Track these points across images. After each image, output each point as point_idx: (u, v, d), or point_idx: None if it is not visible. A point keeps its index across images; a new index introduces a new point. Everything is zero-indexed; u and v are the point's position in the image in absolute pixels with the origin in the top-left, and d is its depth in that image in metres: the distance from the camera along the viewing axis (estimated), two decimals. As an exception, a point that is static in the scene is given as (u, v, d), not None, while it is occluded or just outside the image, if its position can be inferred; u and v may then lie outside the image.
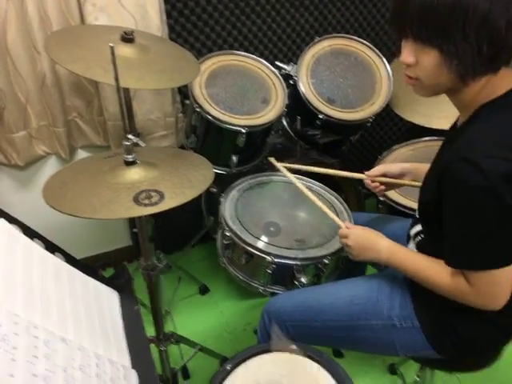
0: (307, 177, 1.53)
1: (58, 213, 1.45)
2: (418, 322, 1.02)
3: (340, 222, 1.19)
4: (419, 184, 1.05)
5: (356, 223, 1.20)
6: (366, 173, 1.30)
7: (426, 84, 0.88)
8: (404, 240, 1.15)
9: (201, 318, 1.84)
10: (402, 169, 1.26)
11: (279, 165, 1.40)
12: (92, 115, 1.67)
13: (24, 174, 1.69)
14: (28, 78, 1.50)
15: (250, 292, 1.93)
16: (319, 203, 1.26)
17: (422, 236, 1.06)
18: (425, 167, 1.05)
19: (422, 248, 1.06)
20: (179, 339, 1.39)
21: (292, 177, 1.37)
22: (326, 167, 1.75)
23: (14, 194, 1.70)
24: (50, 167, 1.72)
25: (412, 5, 0.79)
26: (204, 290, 1.96)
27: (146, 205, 0.89)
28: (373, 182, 1.28)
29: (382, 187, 1.28)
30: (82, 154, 1.76)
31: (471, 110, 0.88)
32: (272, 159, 1.43)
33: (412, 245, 1.10)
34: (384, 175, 1.27)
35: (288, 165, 1.42)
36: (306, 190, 1.30)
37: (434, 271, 0.94)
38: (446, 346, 1.01)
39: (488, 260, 0.84)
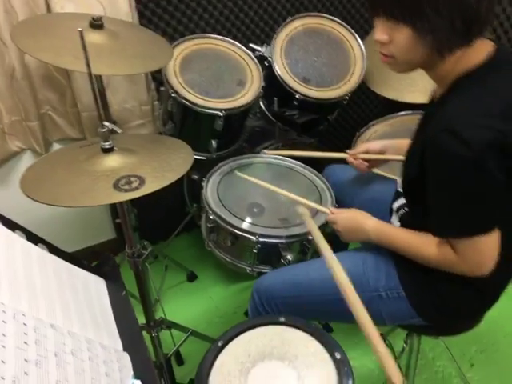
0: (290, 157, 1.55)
1: (38, 209, 1.44)
2: (404, 291, 1.05)
3: (325, 209, 1.21)
4: (402, 158, 1.07)
5: (342, 178, 1.24)
6: (348, 151, 1.32)
7: (401, 61, 0.89)
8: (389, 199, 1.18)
9: (191, 305, 1.85)
10: (383, 145, 1.29)
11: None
12: (65, 107, 1.64)
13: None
14: (-4, 73, 1.46)
15: (237, 276, 1.95)
16: (303, 200, 1.26)
17: (406, 209, 1.08)
18: (405, 142, 1.06)
19: (405, 221, 1.09)
20: (170, 325, 1.39)
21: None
22: (305, 147, 1.78)
23: (-11, 191, 1.67)
24: (26, 162, 1.69)
25: None
26: (192, 277, 1.96)
27: (126, 190, 0.88)
28: (355, 159, 1.30)
29: (366, 164, 1.31)
30: (57, 148, 1.72)
31: (449, 81, 0.89)
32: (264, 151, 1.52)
33: (395, 218, 1.13)
34: (366, 152, 1.30)
35: (277, 152, 1.49)
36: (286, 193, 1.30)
37: (422, 244, 0.97)
38: (432, 314, 1.05)
39: (472, 227, 0.86)
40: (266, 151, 1.57)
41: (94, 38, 1.16)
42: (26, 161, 1.68)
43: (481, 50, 0.86)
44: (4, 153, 1.60)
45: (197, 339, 1.55)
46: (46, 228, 1.71)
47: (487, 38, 0.88)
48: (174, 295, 1.88)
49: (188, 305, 1.85)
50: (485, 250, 0.88)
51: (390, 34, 0.85)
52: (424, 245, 0.96)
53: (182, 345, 1.48)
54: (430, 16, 0.77)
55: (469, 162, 0.79)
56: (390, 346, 1.67)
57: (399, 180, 1.09)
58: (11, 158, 1.65)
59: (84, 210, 1.89)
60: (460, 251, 0.90)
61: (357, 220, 1.11)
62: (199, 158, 1.55)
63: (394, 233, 1.04)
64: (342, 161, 1.43)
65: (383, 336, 1.68)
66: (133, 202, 1.13)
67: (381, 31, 0.86)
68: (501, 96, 0.83)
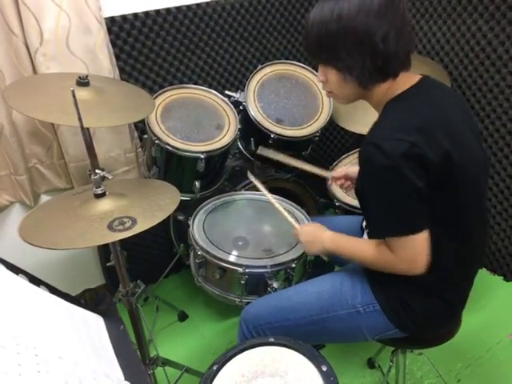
0: (271, 193, 1.65)
1: (29, 259, 1.49)
2: (379, 304, 1.13)
3: (295, 224, 1.34)
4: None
5: None
6: (332, 173, 1.49)
7: (339, 95, 1.09)
8: (359, 232, 1.28)
9: (183, 344, 1.87)
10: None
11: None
12: (52, 160, 1.71)
13: (-11, 224, 1.70)
14: (-15, 132, 1.54)
15: (228, 312, 1.99)
16: (281, 209, 1.40)
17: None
18: None
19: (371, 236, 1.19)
20: (165, 361, 1.42)
21: (262, 188, 1.51)
22: (282, 182, 1.88)
23: (-18, 245, 1.70)
24: (15, 215, 1.74)
25: (310, 39, 1.01)
26: (183, 317, 1.99)
27: (120, 230, 0.96)
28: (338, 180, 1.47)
29: (348, 183, 1.45)
30: (45, 199, 1.78)
31: (382, 105, 1.04)
32: (249, 174, 1.58)
33: (365, 235, 1.23)
34: (345, 176, 1.45)
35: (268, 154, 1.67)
36: (271, 199, 1.46)
37: (364, 248, 1.10)
38: (406, 323, 1.13)
39: (400, 227, 0.99)
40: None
41: (81, 94, 1.25)
42: (16, 213, 1.74)
43: (408, 81, 1.03)
44: (-6, 207, 1.65)
45: (191, 376, 1.57)
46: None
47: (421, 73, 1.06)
48: (166, 335, 1.91)
49: (181, 344, 1.87)
50: (415, 247, 1.00)
51: (325, 75, 1.05)
52: (366, 248, 1.09)
53: (176, 382, 1.50)
54: (345, 58, 0.97)
55: (388, 170, 0.93)
56: (379, 368, 1.72)
57: None
58: (0, 211, 1.70)
59: (73, 257, 1.93)
60: (394, 249, 1.02)
61: (315, 232, 1.25)
62: (184, 198, 1.63)
63: (344, 242, 1.16)
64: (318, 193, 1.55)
65: (372, 359, 1.73)
66: (122, 245, 1.20)
67: (320, 73, 1.07)
68: (417, 113, 0.98)
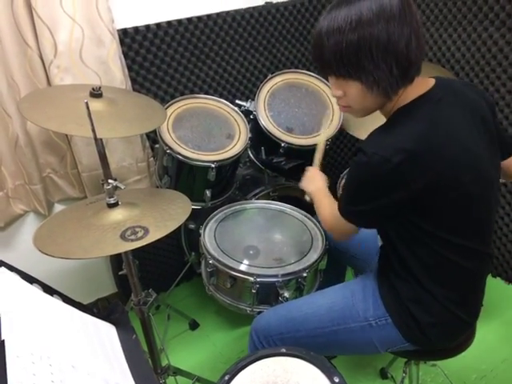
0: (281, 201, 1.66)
1: (42, 267, 1.50)
2: (390, 318, 1.12)
3: (316, 164, 1.53)
4: None
5: None
6: None
7: (357, 109, 1.03)
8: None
9: (195, 353, 1.87)
10: None
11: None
12: (66, 169, 1.74)
13: (4, 234, 1.72)
14: (0, 141, 1.57)
15: (238, 321, 1.99)
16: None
17: None
18: None
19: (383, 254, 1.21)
20: (176, 371, 1.42)
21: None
22: (293, 190, 1.88)
23: (-4, 254, 1.73)
24: (30, 224, 1.77)
25: (326, 51, 0.93)
26: (194, 325, 1.99)
27: (133, 240, 0.97)
28: None
29: None
30: (59, 209, 1.81)
31: (390, 115, 1.02)
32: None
33: (379, 242, 1.23)
34: None
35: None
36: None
37: (326, 209, 1.21)
38: (418, 337, 1.11)
39: (349, 216, 1.06)
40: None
41: (94, 105, 1.26)
42: (30, 222, 1.76)
43: (420, 88, 0.98)
44: (8, 216, 1.68)
45: (202, 386, 1.57)
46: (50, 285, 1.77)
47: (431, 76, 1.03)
48: (177, 344, 1.91)
49: (192, 353, 1.87)
50: (344, 230, 1.11)
51: (343, 89, 0.99)
52: (326, 211, 1.20)
53: (188, 392, 1.50)
54: (371, 70, 0.91)
55: (367, 182, 0.97)
56: (392, 378, 1.70)
57: None
58: (15, 220, 1.73)
59: (85, 266, 1.94)
60: (336, 220, 1.10)
61: (316, 176, 1.39)
62: (195, 207, 1.64)
63: (321, 196, 1.28)
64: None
65: (384, 370, 1.71)
66: (134, 253, 1.21)
67: (335, 88, 1.01)
68: (414, 131, 0.94)
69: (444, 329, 1.11)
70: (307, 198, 1.39)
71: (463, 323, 1.12)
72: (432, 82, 1.01)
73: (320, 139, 1.59)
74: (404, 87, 0.96)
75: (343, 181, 1.84)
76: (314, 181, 1.38)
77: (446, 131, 0.95)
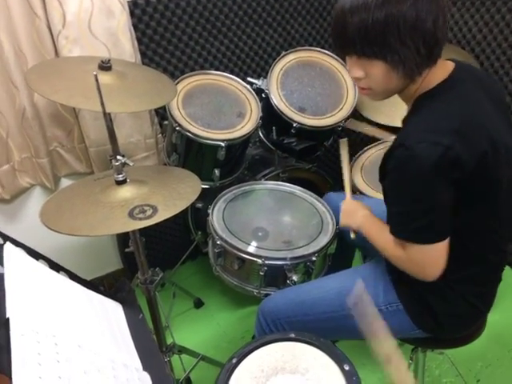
0: (291, 183, 1.62)
1: (49, 242, 1.49)
2: (402, 304, 1.10)
3: (348, 195, 1.38)
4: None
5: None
6: None
7: (378, 91, 0.98)
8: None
9: (199, 331, 1.87)
10: None
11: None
12: (73, 144, 1.71)
13: (11, 206, 1.71)
14: (7, 114, 1.54)
15: (244, 301, 1.98)
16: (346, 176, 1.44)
17: None
18: None
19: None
20: (181, 349, 1.42)
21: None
22: (303, 172, 1.85)
23: (3, 227, 1.72)
24: (36, 198, 1.75)
25: (350, 29, 0.87)
26: (199, 304, 2.00)
27: (141, 218, 0.94)
28: None
29: None
30: (66, 183, 1.79)
31: (413, 100, 0.98)
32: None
33: None
34: None
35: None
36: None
37: (387, 239, 1.04)
38: (430, 325, 1.09)
39: (420, 236, 0.94)
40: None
41: (103, 78, 1.22)
42: (36, 196, 1.75)
43: (442, 71, 0.95)
44: (15, 189, 1.66)
45: (206, 365, 1.57)
46: (56, 261, 1.77)
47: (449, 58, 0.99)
48: (181, 322, 1.91)
49: (196, 331, 1.87)
50: (430, 256, 0.95)
51: (364, 70, 0.93)
52: (387, 240, 1.03)
53: (192, 370, 1.50)
54: (398, 48, 0.86)
55: (420, 180, 0.87)
56: (396, 364, 1.69)
57: None
58: (22, 193, 1.72)
59: (91, 241, 1.94)
60: (409, 253, 0.97)
61: (355, 206, 1.26)
62: (203, 186, 1.60)
63: (375, 226, 1.13)
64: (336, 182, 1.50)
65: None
66: (141, 231, 1.19)
67: (355, 68, 0.95)
68: (451, 112, 0.91)
69: (459, 318, 1.09)
70: (352, 235, 1.24)
71: (477, 312, 1.10)
72: (452, 64, 0.98)
73: (344, 168, 1.48)
74: (429, 68, 0.92)
75: (354, 164, 1.80)
76: (354, 214, 1.23)
77: (479, 111, 0.92)
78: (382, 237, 1.07)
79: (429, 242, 0.93)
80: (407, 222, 0.95)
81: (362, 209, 1.23)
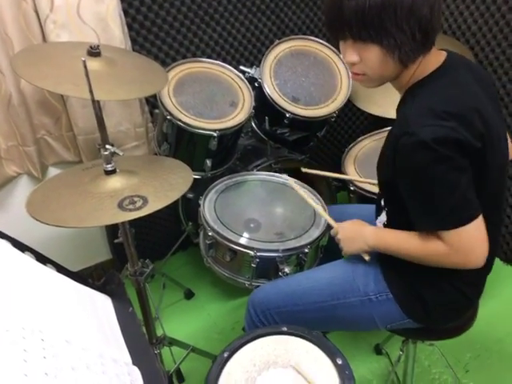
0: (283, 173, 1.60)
1: (36, 231, 1.46)
2: (392, 293, 1.09)
3: (333, 223, 1.23)
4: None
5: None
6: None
7: (373, 77, 0.96)
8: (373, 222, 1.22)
9: (189, 322, 1.86)
10: None
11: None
12: (61, 131, 1.68)
13: (-3, 196, 1.67)
14: (-7, 100, 1.50)
15: (234, 292, 1.98)
16: (319, 209, 1.34)
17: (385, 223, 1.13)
18: None
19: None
20: (171, 341, 1.41)
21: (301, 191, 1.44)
22: (296, 163, 1.83)
23: (-11, 216, 1.69)
24: (23, 187, 1.71)
25: (347, 11, 0.86)
26: (189, 295, 1.98)
27: (131, 210, 0.92)
28: None
29: None
30: (53, 172, 1.75)
31: (406, 88, 0.98)
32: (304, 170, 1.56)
33: (379, 224, 1.18)
34: None
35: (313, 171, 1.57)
36: (310, 200, 1.38)
37: (412, 242, 0.99)
38: (419, 314, 1.09)
39: (456, 217, 0.90)
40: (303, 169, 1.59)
41: (92, 65, 1.18)
42: (23, 185, 1.71)
43: (435, 60, 0.95)
44: (1, 178, 1.63)
45: (196, 356, 1.56)
46: (43, 250, 1.73)
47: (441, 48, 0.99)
48: (171, 313, 1.90)
49: (186, 322, 1.86)
50: (473, 236, 0.91)
51: (359, 54, 0.92)
52: (413, 242, 0.99)
53: (182, 362, 1.50)
54: (394, 32, 0.85)
55: (431, 158, 0.86)
56: (386, 355, 1.70)
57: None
58: (8, 182, 1.68)
59: (79, 231, 1.91)
60: (448, 241, 0.92)
61: (356, 228, 1.14)
62: (195, 177, 1.58)
63: (391, 236, 1.06)
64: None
65: (379, 346, 1.72)
66: (130, 222, 1.17)
67: (350, 53, 0.93)
68: (447, 97, 0.91)
69: (448, 306, 1.09)
70: (367, 257, 1.12)
71: (468, 301, 1.10)
72: (444, 54, 0.98)
73: (311, 203, 1.38)
74: (423, 55, 0.92)
75: (347, 156, 1.78)
76: (358, 238, 1.12)
77: (473, 96, 0.93)
78: (405, 242, 1.01)
79: (465, 222, 0.89)
80: (435, 210, 0.92)
81: (362, 225, 1.14)
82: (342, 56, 0.97)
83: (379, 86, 1.00)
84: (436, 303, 1.08)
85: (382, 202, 1.12)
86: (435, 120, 0.86)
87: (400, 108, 1.01)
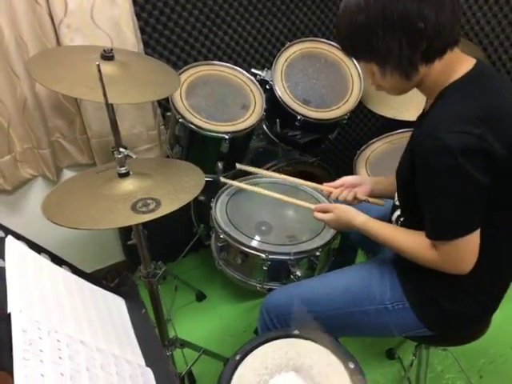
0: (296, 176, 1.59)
1: (50, 233, 1.48)
2: (408, 302, 1.08)
3: (309, 205, 1.27)
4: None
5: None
6: (325, 184, 1.36)
7: (389, 88, 1.00)
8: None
9: (201, 324, 1.87)
10: (359, 179, 1.33)
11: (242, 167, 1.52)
12: (75, 134, 1.70)
13: (12, 198, 1.69)
14: (9, 103, 1.52)
15: (246, 294, 1.98)
16: (292, 199, 1.33)
17: (401, 220, 1.13)
18: (383, 178, 1.23)
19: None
20: (183, 343, 1.42)
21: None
22: (306, 165, 1.83)
23: (4, 218, 1.71)
24: (38, 189, 1.73)
25: (342, 33, 0.94)
26: (201, 297, 1.99)
27: (144, 212, 0.93)
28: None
29: (351, 193, 1.28)
30: (68, 174, 1.78)
31: (436, 93, 0.96)
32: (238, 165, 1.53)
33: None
34: (342, 185, 1.32)
35: (247, 167, 1.52)
36: (267, 192, 1.38)
37: (404, 239, 1.02)
38: (436, 323, 1.08)
39: (458, 229, 0.91)
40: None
41: (106, 68, 1.20)
42: (38, 187, 1.73)
43: (464, 64, 0.94)
44: (16, 180, 1.65)
45: (208, 358, 1.57)
46: (58, 252, 1.76)
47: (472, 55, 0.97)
48: (183, 315, 1.91)
49: (198, 324, 1.87)
50: (465, 248, 0.92)
51: (369, 71, 0.97)
52: (400, 243, 1.02)
53: (194, 364, 1.50)
54: (378, 47, 0.88)
55: (453, 170, 0.85)
56: (399, 360, 1.69)
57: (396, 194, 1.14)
58: (23, 184, 1.70)
59: (93, 233, 1.93)
60: (441, 250, 0.94)
61: (344, 219, 1.16)
62: (206, 179, 1.59)
63: (379, 228, 1.08)
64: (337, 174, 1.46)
65: (392, 350, 1.70)
66: (143, 224, 1.18)
67: (363, 70, 1.00)
68: (478, 102, 0.89)
69: (466, 316, 1.08)
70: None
71: (486, 311, 1.09)
72: (472, 59, 0.96)
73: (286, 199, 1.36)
74: (429, 63, 0.91)
75: (359, 158, 1.78)
76: (343, 224, 1.17)
77: (508, 102, 0.92)
78: (393, 240, 1.04)
79: (462, 236, 0.90)
80: (440, 219, 0.92)
81: (353, 217, 1.14)
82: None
83: (403, 93, 1.02)
84: (453, 312, 1.06)
85: (397, 202, 1.12)
86: (464, 126, 0.85)
87: (430, 111, 0.99)
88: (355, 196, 1.27)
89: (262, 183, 1.61)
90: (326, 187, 1.35)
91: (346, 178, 1.34)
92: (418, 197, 0.96)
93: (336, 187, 1.32)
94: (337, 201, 1.34)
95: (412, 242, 1.01)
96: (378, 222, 1.11)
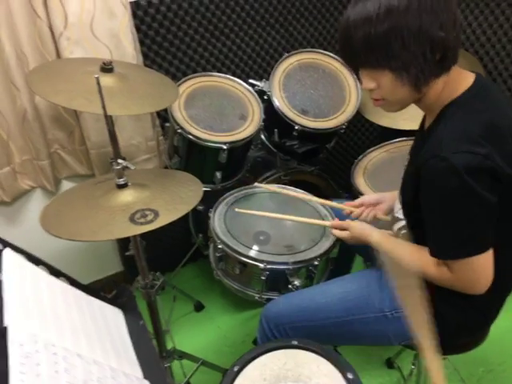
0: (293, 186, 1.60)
1: (48, 245, 1.48)
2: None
3: (326, 223, 1.29)
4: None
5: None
6: (346, 203, 1.38)
7: (392, 101, 0.96)
8: None
9: (199, 335, 1.86)
10: (379, 197, 1.34)
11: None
12: (74, 146, 1.70)
13: (11, 209, 1.70)
14: (8, 115, 1.53)
15: (244, 304, 1.97)
16: (305, 219, 1.34)
17: (404, 231, 1.13)
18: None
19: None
20: (182, 355, 1.41)
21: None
22: (305, 175, 1.84)
23: (3, 229, 1.71)
24: (37, 200, 1.74)
25: (355, 42, 0.88)
26: (199, 307, 1.98)
27: (142, 223, 0.93)
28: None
29: (371, 212, 1.31)
30: (66, 185, 1.78)
31: (437, 110, 0.96)
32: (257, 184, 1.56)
33: None
34: (361, 205, 1.34)
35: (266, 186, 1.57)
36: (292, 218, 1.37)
37: (421, 261, 0.99)
38: (435, 331, 1.08)
39: (466, 249, 0.90)
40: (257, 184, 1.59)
41: (105, 81, 1.21)
42: (37, 198, 1.73)
43: (464, 80, 0.94)
44: (15, 191, 1.65)
45: (206, 369, 1.56)
46: (56, 263, 1.75)
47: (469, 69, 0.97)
48: (182, 325, 1.90)
49: (196, 335, 1.86)
50: (479, 269, 0.92)
51: (375, 81, 0.93)
52: (415, 261, 1.00)
53: (192, 375, 1.49)
54: (401, 55, 0.85)
55: (460, 191, 0.84)
56: (398, 369, 1.68)
57: (397, 206, 1.15)
58: (22, 196, 1.71)
59: (91, 244, 1.92)
60: (455, 270, 0.94)
61: (360, 236, 1.16)
62: (205, 189, 1.59)
63: (394, 247, 1.08)
64: (339, 185, 1.46)
65: (391, 359, 1.69)
66: (141, 235, 1.18)
67: (366, 80, 0.94)
68: (483, 120, 0.89)
69: (465, 325, 1.08)
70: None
71: (486, 320, 1.10)
72: (471, 74, 0.96)
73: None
74: (439, 76, 0.90)
75: (357, 167, 1.78)
76: (359, 240, 1.17)
77: (509, 117, 0.91)
78: (407, 258, 1.03)
79: (476, 254, 0.89)
80: (448, 239, 0.92)
81: (368, 233, 1.15)
82: (363, 84, 0.98)
83: (401, 109, 0.99)
84: (453, 322, 1.06)
85: (397, 214, 1.12)
86: (470, 146, 0.84)
87: (432, 128, 0.98)
88: (375, 216, 1.29)
89: (261, 193, 1.61)
90: (347, 207, 1.36)
91: (365, 197, 1.36)
92: (423, 215, 0.95)
93: (356, 206, 1.34)
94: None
95: (426, 260, 0.99)
96: (392, 239, 1.11)
